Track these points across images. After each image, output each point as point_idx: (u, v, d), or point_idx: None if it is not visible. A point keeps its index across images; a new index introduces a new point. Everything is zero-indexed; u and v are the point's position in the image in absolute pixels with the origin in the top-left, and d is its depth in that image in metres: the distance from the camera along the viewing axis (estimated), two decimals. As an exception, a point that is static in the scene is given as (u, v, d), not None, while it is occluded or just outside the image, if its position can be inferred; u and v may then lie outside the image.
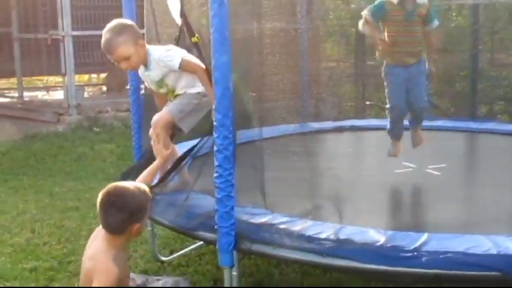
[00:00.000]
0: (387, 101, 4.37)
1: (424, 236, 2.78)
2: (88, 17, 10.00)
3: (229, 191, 2.89)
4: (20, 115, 9.96)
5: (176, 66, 3.53)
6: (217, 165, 2.88)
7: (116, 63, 3.59)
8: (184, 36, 3.62)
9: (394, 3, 4.10)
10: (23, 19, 10.53)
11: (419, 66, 4.22)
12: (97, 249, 2.92)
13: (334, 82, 9.32)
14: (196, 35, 3.53)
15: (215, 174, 2.89)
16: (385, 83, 4.32)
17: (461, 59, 7.92)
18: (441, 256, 2.64)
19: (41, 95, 12.10)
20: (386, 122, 6.00)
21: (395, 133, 4.37)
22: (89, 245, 3.04)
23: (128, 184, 3.01)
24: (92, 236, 3.08)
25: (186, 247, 4.37)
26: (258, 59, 4.49)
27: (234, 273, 2.97)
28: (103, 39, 3.51)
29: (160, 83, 3.67)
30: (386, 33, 4.19)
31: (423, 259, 2.64)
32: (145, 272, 4.04)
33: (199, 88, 3.63)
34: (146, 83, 3.86)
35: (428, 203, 3.78)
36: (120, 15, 4.00)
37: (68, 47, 9.34)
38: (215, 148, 2.88)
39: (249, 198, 3.25)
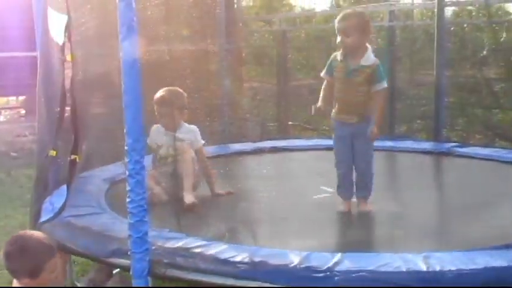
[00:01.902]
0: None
1: (337, 256, 2.83)
2: (3, 38, 9.72)
3: (142, 216, 2.84)
4: None
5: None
6: (129, 190, 2.83)
7: None
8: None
9: (338, 60, 3.99)
10: None
11: (361, 126, 3.97)
12: None
13: (257, 103, 9.42)
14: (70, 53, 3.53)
15: (127, 199, 2.85)
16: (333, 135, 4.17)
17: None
18: (353, 275, 2.69)
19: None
20: (308, 142, 6.12)
21: (343, 192, 4.11)
22: None
23: (36, 235, 2.97)
24: None
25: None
26: (177, 82, 4.50)
27: (149, 298, 2.94)
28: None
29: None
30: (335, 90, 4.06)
31: (336, 278, 2.68)
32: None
33: None
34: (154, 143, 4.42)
35: (343, 225, 3.83)
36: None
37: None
38: (127, 173, 2.84)
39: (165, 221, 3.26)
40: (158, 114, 4.35)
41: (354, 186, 4.07)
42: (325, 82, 4.10)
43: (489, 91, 7.42)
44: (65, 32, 3.57)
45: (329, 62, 4.06)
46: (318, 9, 13.51)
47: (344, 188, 4.09)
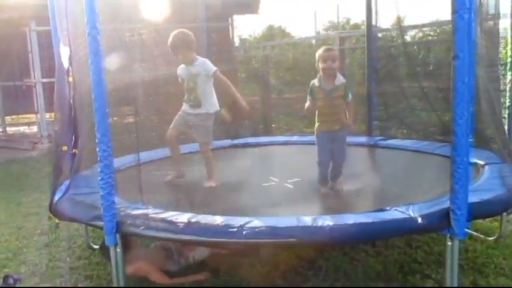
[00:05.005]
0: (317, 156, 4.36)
1: (249, 218, 2.99)
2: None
3: (109, 189, 3.05)
4: (2, 145, 10.05)
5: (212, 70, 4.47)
6: (100, 171, 3.04)
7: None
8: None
9: (317, 86, 4.17)
10: (2, 70, 10.65)
11: (341, 132, 4.23)
12: None
13: (251, 110, 9.67)
14: (71, 75, 3.79)
15: (99, 178, 3.07)
16: (316, 142, 4.34)
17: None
18: (256, 230, 2.89)
19: (23, 129, 12.19)
20: (276, 139, 6.29)
21: (323, 182, 4.34)
22: None
23: None
24: None
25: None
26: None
27: (118, 250, 3.15)
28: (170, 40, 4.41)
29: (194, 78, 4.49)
30: (317, 108, 4.26)
31: (244, 232, 2.89)
32: (78, 257, 4.22)
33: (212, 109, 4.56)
34: (180, 78, 4.61)
35: (270, 202, 3.99)
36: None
37: (39, 91, 9.48)
38: (98, 158, 3.05)
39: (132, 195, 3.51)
40: (174, 54, 4.45)
41: (329, 174, 4.31)
42: (307, 103, 4.26)
43: (424, 98, 7.41)
44: (69, 60, 3.85)
45: (310, 88, 4.22)
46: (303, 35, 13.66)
47: (323, 179, 4.32)
